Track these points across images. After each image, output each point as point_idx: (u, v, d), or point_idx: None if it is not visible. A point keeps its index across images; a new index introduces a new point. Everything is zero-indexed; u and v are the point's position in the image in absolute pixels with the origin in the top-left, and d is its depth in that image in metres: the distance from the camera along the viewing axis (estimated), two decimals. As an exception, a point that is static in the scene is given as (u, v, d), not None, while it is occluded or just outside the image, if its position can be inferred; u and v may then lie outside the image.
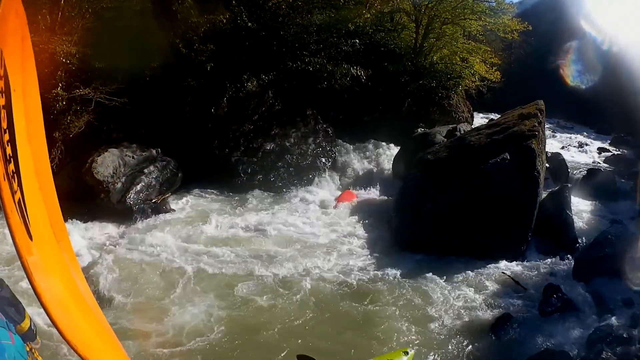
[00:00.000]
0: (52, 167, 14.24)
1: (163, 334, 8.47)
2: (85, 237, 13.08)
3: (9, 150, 1.10)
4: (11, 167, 1.12)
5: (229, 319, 8.88)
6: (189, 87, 14.74)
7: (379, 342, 8.15)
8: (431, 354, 7.86)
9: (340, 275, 10.26)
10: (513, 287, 9.65)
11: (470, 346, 8.03)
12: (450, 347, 8.02)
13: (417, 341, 8.14)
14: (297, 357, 6.49)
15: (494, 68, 19.00)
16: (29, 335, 3.24)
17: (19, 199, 1.10)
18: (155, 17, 15.64)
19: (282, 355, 7.66)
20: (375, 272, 10.37)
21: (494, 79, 19.18)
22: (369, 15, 18.01)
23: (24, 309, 3.15)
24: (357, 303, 9.24)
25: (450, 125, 16.85)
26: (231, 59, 15.09)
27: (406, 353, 7.09)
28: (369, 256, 11.17)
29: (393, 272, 10.21)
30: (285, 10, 16.48)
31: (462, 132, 15.62)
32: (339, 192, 14.64)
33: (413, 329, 8.40)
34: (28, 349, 2.79)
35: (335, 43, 15.90)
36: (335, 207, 13.59)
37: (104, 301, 9.53)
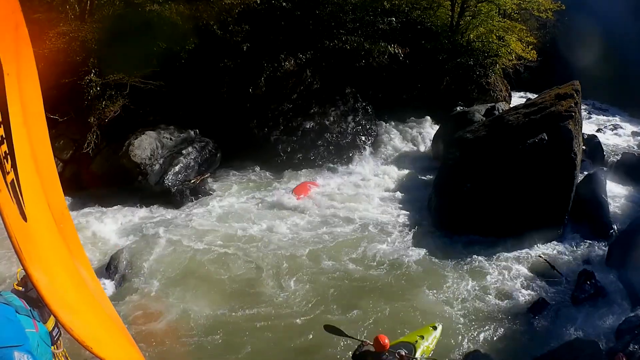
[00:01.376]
0: (87, 151, 14.24)
1: (201, 313, 8.60)
2: (122, 219, 13.00)
3: (0, 132, 1.13)
4: (3, 148, 1.13)
5: (265, 292, 9.05)
6: (226, 68, 14.52)
7: (413, 319, 8.14)
8: (466, 334, 7.76)
9: (378, 253, 10.18)
10: (548, 272, 9.44)
11: (504, 329, 7.92)
12: (485, 328, 7.90)
13: (453, 321, 8.04)
14: (325, 327, 6.80)
15: (529, 47, 18.50)
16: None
17: (12, 179, 1.13)
18: (188, 0, 15.48)
19: (318, 325, 7.61)
20: (413, 251, 10.29)
21: (530, 58, 18.66)
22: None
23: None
24: (393, 281, 9.24)
25: (489, 104, 16.42)
26: (267, 39, 14.85)
27: (435, 328, 7.31)
28: (407, 235, 11.05)
29: (430, 252, 10.14)
30: (319, -12, 16.18)
31: (501, 111, 15.27)
32: (380, 170, 14.26)
33: (448, 309, 8.34)
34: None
35: (371, 21, 15.57)
36: (298, 198, 12.75)
37: (137, 283, 9.66)
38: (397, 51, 15.70)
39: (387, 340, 5.96)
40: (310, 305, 8.53)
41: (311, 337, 7.73)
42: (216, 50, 14.69)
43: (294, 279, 9.36)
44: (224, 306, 8.78)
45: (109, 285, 10.28)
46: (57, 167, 13.55)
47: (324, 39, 15.00)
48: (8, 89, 1.20)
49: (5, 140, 1.15)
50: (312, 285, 9.09)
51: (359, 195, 13.03)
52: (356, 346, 6.37)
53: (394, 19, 16.27)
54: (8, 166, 1.14)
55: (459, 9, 16.87)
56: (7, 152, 1.15)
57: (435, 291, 8.85)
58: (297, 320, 8.16)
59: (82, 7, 15.69)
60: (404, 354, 6.05)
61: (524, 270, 9.48)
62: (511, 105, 16.61)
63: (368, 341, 6.31)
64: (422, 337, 6.99)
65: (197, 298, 9.12)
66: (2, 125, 1.15)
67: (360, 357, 6.16)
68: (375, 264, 9.82)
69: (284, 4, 15.47)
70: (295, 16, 15.36)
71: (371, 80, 15.35)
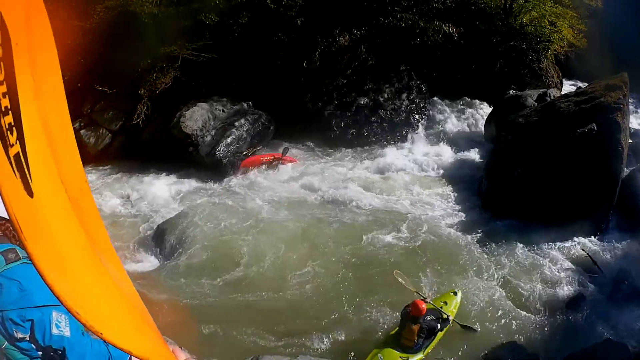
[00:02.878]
0: (137, 122, 14.08)
1: (250, 281, 8.78)
2: (171, 190, 12.92)
3: (5, 103, 1.08)
4: (8, 119, 1.08)
5: (319, 260, 9.19)
6: (280, 42, 14.33)
7: (445, 291, 8.21)
8: (502, 320, 7.71)
9: (423, 228, 10.23)
10: (589, 266, 9.17)
11: (539, 320, 7.80)
12: (521, 316, 7.83)
13: (489, 304, 8.01)
14: (395, 273, 7.79)
15: (580, 35, 18.08)
16: None
17: (18, 152, 1.06)
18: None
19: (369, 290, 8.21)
20: (457, 229, 10.31)
21: (580, 46, 18.23)
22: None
23: None
24: (434, 255, 9.37)
25: (541, 90, 16.04)
26: (321, 14, 14.59)
27: (455, 293, 7.78)
28: (454, 214, 11.06)
29: (475, 232, 10.14)
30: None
31: (552, 97, 14.94)
32: (433, 149, 13.97)
33: (484, 290, 8.32)
34: None
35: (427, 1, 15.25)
36: (238, 172, 12.87)
37: (183, 254, 9.68)
38: (451, 31, 15.38)
39: (424, 305, 6.74)
40: (353, 272, 8.85)
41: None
42: (270, 24, 14.51)
43: (347, 250, 9.53)
44: (271, 280, 8.78)
45: (153, 256, 10.21)
46: (106, 138, 13.31)
47: (378, 16, 14.71)
48: (16, 59, 1.14)
49: (11, 112, 1.11)
50: (357, 253, 9.45)
51: (411, 173, 12.90)
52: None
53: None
54: (12, 138, 1.09)
55: (512, -9, 16.51)
56: (13, 123, 1.10)
57: (474, 270, 8.92)
58: (348, 286, 8.47)
59: (130, -20, 15.63)
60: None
61: (564, 261, 9.32)
62: (562, 93, 16.27)
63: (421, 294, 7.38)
64: (446, 303, 7.53)
65: (243, 272, 9.10)
66: (7, 97, 1.11)
67: (403, 315, 6.93)
68: (419, 238, 9.95)
69: (338, -22, 15.28)
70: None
71: (425, 59, 15.00)
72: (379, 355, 6.64)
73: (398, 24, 14.60)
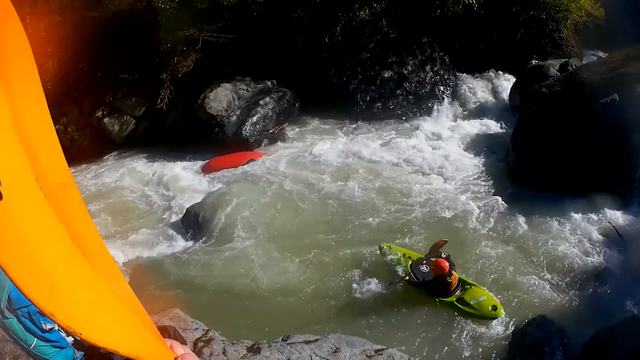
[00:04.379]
0: (161, 107, 14.03)
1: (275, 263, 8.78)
2: (199, 172, 12.81)
3: None
4: None
5: (352, 236, 9.27)
6: (300, 19, 14.24)
7: (469, 262, 8.37)
8: (529, 293, 7.64)
9: (448, 198, 10.29)
10: (615, 239, 8.91)
11: (568, 295, 7.68)
12: (548, 289, 7.74)
13: (516, 275, 7.96)
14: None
15: (597, 5, 17.93)
16: None
17: None
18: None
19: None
20: (486, 202, 10.17)
21: (598, 16, 18.03)
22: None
23: None
24: (460, 225, 9.38)
25: (562, 59, 15.89)
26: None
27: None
28: (483, 187, 10.94)
29: (502, 203, 10.02)
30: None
31: (574, 67, 14.80)
32: (459, 121, 13.83)
33: (511, 262, 8.30)
34: None
35: None
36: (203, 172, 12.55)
37: (213, 237, 9.74)
38: (471, 1, 15.23)
39: (446, 264, 6.99)
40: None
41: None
42: (288, 2, 14.42)
43: (374, 223, 9.64)
44: (302, 263, 8.73)
45: (183, 238, 10.20)
46: (130, 124, 13.32)
47: (397, -12, 14.62)
48: None
49: None
50: (384, 224, 9.53)
51: (438, 145, 12.77)
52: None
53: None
54: None
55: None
56: None
57: (500, 242, 8.87)
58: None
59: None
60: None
61: (591, 233, 9.11)
62: (583, 62, 16.13)
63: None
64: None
65: (273, 253, 9.11)
66: None
67: (429, 283, 7.21)
68: (447, 208, 9.95)
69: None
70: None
71: (447, 31, 14.87)
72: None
73: (417, -5, 14.50)
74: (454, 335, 6.93)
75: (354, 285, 7.89)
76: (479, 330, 6.99)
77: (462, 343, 6.81)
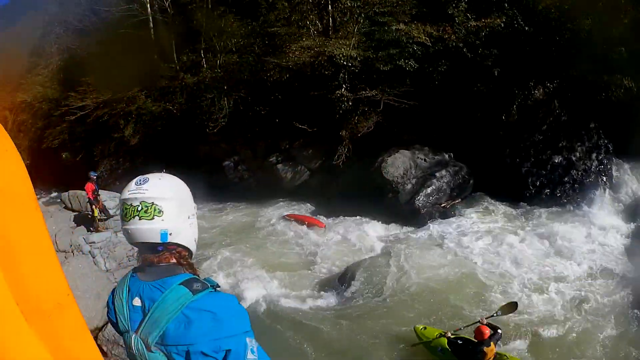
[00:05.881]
0: (338, 164, 14.87)
1: None
2: (370, 231, 13.63)
3: None
4: None
5: None
6: (479, 92, 14.69)
7: None
8: None
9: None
10: None
11: None
12: None
13: None
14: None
15: None
16: None
17: None
18: (429, 21, 15.55)
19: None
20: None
21: None
22: None
23: None
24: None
25: None
26: (515, 64, 14.86)
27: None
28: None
29: None
30: (554, 14, 15.94)
31: None
32: (622, 215, 13.89)
33: None
34: None
35: (604, 50, 15.12)
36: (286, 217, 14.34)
37: (365, 300, 9.96)
38: (630, 85, 15.48)
39: (488, 330, 6.76)
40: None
41: None
42: (468, 74, 14.85)
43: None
44: None
45: (335, 295, 10.52)
46: (303, 174, 14.89)
47: (568, 68, 14.89)
48: None
49: None
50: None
51: (593, 240, 12.26)
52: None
53: (623, 48, 15.94)
54: None
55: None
56: None
57: None
58: None
59: (324, 23, 16.00)
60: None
61: None
62: None
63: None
64: None
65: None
66: None
67: (461, 348, 7.05)
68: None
69: (526, 28, 15.40)
70: (538, 41, 15.28)
71: (610, 116, 15.22)
72: None
73: (584, 76, 14.77)
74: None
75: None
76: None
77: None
